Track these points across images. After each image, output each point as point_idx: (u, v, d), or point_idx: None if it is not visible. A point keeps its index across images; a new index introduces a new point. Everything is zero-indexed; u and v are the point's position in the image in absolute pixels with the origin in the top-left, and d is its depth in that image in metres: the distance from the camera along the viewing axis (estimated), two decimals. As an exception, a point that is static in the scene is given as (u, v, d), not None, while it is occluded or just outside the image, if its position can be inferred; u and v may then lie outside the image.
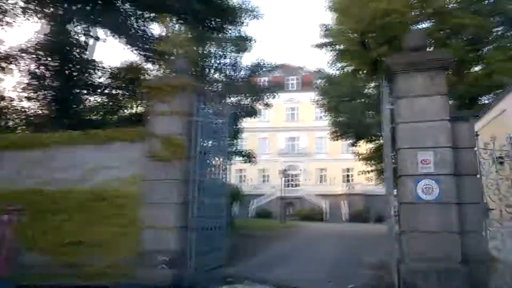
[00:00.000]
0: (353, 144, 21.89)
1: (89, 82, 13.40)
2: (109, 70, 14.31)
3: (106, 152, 7.46)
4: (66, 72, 12.39)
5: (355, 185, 45.75)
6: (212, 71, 18.68)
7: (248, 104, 18.86)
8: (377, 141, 20.15)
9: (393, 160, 6.81)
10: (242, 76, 18.44)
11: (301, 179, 51.62)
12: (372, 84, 17.24)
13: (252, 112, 19.04)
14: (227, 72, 18.54)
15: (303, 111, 53.08)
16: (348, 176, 51.18)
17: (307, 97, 54.44)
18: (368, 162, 23.60)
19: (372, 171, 24.47)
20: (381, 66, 11.55)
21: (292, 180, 52.16)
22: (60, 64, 12.25)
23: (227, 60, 18.36)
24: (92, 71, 13.44)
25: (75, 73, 12.79)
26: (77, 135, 7.78)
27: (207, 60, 17.91)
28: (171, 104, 7.13)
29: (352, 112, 16.71)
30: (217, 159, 8.33)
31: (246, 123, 53.17)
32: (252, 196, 46.95)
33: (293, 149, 53.00)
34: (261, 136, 53.29)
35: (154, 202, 6.96)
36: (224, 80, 18.62)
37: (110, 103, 14.05)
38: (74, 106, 12.51)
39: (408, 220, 6.22)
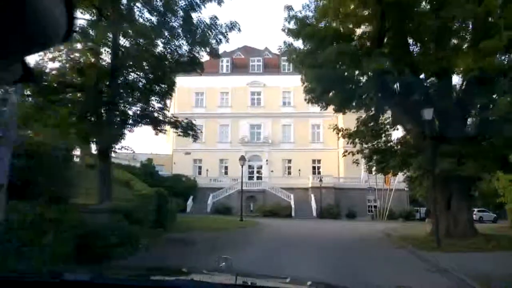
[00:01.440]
0: (335, 111, 16.62)
1: None
2: None
3: None
4: None
5: (325, 178, 40.97)
6: (138, 6, 12.79)
7: (187, 53, 13.03)
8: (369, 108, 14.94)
9: None
10: (178, 12, 12.61)
11: (264, 170, 46.40)
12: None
13: (193, 64, 13.25)
14: (158, 8, 12.68)
15: (268, 96, 47.86)
16: (316, 168, 46.50)
17: (272, 81, 49.43)
18: (355, 139, 18.40)
19: (360, 151, 19.24)
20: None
21: (255, 172, 46.88)
22: None
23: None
24: None
25: None
26: None
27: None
28: None
29: (335, 62, 11.48)
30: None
31: (205, 108, 47.32)
32: (210, 190, 41.35)
33: (256, 138, 47.64)
34: (222, 123, 47.64)
35: None
36: (153, 20, 12.81)
37: None
38: None
39: None
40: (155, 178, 39.62)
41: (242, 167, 26.33)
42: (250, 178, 45.81)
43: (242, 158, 25.31)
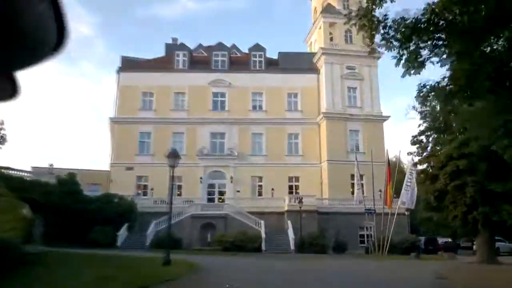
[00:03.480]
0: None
1: None
2: None
3: None
4: None
5: (305, 198, 31.41)
6: None
7: None
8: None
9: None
10: None
11: (229, 190, 36.57)
12: None
13: None
14: None
15: (234, 98, 38.60)
16: (294, 187, 37.07)
17: (239, 80, 40.32)
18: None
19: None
20: None
21: (216, 193, 36.94)
22: None
23: None
24: None
25: None
26: None
27: None
28: None
29: None
30: None
31: (155, 111, 37.50)
32: (155, 215, 30.92)
33: (219, 149, 37.92)
34: (176, 130, 37.79)
35: None
36: None
37: None
38: None
39: None
40: (77, 199, 29.12)
41: (172, 171, 16.14)
42: (210, 200, 35.96)
43: (172, 155, 15.24)
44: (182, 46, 40.42)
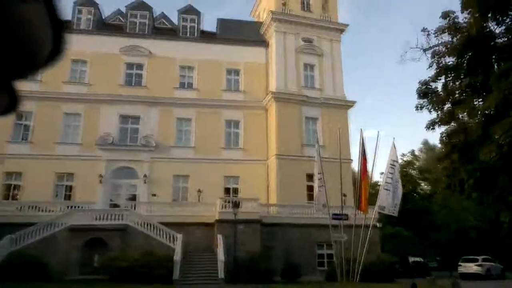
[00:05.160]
0: None
1: None
2: None
3: None
4: None
5: (245, 203, 22.04)
6: None
7: None
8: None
9: None
10: None
11: (142, 193, 26.42)
12: None
13: None
14: None
15: (155, 72, 28.76)
16: (232, 190, 27.63)
17: (164, 48, 30.61)
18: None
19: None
20: None
21: (123, 195, 26.65)
22: None
23: None
24: None
25: None
26: None
27: None
28: None
29: None
30: None
31: (41, 83, 26.48)
32: (19, 227, 20.04)
33: (130, 138, 27.74)
34: (70, 111, 27.27)
35: None
36: None
37: None
38: None
39: None
40: None
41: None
42: (114, 205, 25.51)
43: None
44: (88, 1, 30.14)
